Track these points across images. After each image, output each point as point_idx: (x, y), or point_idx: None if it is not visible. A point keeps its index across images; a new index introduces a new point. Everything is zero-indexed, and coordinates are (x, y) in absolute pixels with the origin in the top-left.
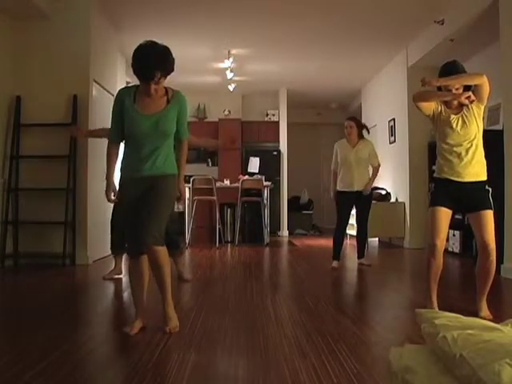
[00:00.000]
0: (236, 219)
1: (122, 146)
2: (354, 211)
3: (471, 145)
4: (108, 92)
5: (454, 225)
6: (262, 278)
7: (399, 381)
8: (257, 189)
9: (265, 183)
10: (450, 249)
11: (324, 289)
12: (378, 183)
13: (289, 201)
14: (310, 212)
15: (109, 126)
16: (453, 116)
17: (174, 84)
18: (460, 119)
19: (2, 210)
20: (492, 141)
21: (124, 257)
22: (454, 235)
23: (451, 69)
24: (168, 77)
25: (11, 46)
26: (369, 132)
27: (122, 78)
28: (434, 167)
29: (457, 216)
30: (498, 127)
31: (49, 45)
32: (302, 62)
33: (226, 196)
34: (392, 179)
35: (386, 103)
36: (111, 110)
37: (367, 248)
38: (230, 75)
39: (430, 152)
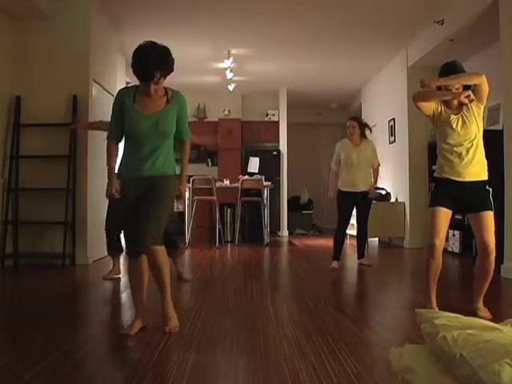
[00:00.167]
0: (236, 219)
1: (120, 144)
2: (353, 211)
3: (472, 144)
4: (108, 92)
5: (453, 225)
6: (261, 278)
7: (399, 381)
8: (257, 189)
9: (265, 183)
10: (449, 249)
11: (324, 289)
12: (377, 183)
13: (289, 201)
14: (310, 212)
15: (109, 120)
16: (453, 116)
17: (174, 84)
18: (460, 119)
19: (2, 210)
20: (492, 141)
21: (123, 256)
22: (453, 235)
23: (451, 69)
24: (168, 77)
25: (11, 46)
26: (371, 131)
27: (122, 77)
28: (434, 167)
29: (457, 216)
30: (498, 127)
31: (49, 45)
32: (301, 61)
33: (225, 196)
34: (392, 179)
35: (385, 103)
36: (111, 108)
37: (367, 248)
38: (229, 75)
39: (430, 152)
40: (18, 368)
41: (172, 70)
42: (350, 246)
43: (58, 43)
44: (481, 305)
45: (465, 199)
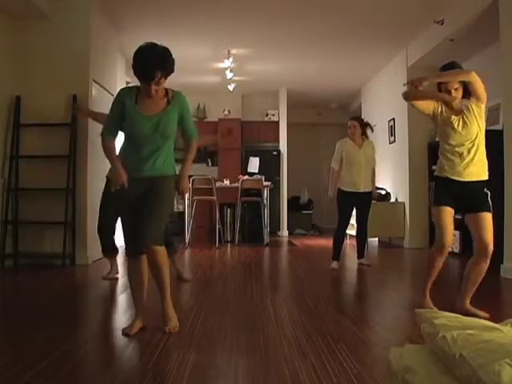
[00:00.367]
0: (236, 219)
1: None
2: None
3: (473, 144)
4: (108, 92)
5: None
6: (261, 278)
7: (399, 381)
8: (257, 189)
9: (265, 183)
10: (449, 249)
11: (324, 289)
12: (377, 183)
13: (289, 201)
14: (310, 212)
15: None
16: (453, 117)
17: (174, 84)
18: (461, 120)
19: (2, 210)
20: (492, 141)
21: (121, 256)
22: (453, 235)
23: (449, 70)
24: (168, 77)
25: (11, 46)
26: (373, 130)
27: (122, 78)
28: (434, 167)
29: (457, 216)
30: (498, 127)
31: (49, 45)
32: (301, 61)
33: (225, 196)
34: (392, 179)
35: (385, 103)
36: (109, 111)
37: (367, 248)
38: (229, 75)
39: (430, 152)
40: (18, 368)
41: (172, 71)
42: (349, 245)
43: (57, 43)
44: (470, 305)
45: (466, 199)
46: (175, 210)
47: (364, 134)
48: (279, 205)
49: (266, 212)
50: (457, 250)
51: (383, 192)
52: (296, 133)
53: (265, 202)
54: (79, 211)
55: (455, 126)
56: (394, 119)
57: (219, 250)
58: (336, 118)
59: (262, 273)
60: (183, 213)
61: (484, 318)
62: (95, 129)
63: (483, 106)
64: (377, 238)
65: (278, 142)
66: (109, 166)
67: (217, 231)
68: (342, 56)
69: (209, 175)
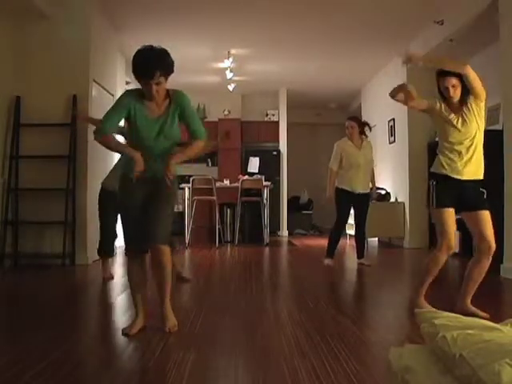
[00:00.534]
0: (236, 219)
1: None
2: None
3: (472, 143)
4: (108, 92)
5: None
6: (261, 278)
7: (399, 381)
8: (256, 189)
9: (264, 183)
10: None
11: (324, 289)
12: (377, 183)
13: (289, 201)
14: (310, 212)
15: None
16: (453, 115)
17: (173, 84)
18: (460, 118)
19: (1, 210)
20: (492, 141)
21: (122, 257)
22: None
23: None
24: (168, 78)
25: (11, 45)
26: (371, 129)
27: (122, 78)
28: None
29: (457, 216)
30: (498, 127)
31: (49, 45)
32: (302, 61)
33: (225, 196)
34: (392, 179)
35: (385, 103)
36: (112, 105)
37: (367, 248)
38: (229, 75)
39: (430, 152)
40: (18, 368)
41: (172, 71)
42: (349, 246)
43: (57, 43)
44: (470, 305)
45: (463, 198)
46: (175, 210)
47: (362, 133)
48: (279, 205)
49: (266, 212)
50: (457, 250)
51: (383, 192)
52: (296, 133)
53: (265, 201)
54: (79, 211)
55: (455, 123)
56: (393, 119)
57: (219, 250)
58: (336, 118)
59: (261, 273)
60: (183, 213)
61: (484, 318)
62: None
63: (482, 105)
64: (377, 238)
65: (278, 142)
66: (109, 167)
67: (217, 231)
68: (342, 56)
69: (209, 175)
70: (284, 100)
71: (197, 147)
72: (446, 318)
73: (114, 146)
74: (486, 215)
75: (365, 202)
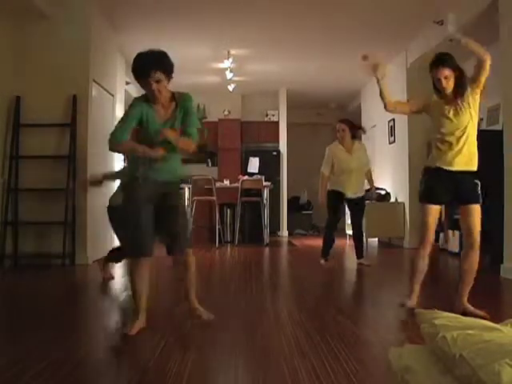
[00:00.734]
0: (236, 219)
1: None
2: (348, 212)
3: (463, 133)
4: (108, 92)
5: (453, 225)
6: (261, 278)
7: (399, 381)
8: (256, 189)
9: (264, 183)
10: (449, 249)
11: (324, 289)
12: (377, 183)
13: (288, 201)
14: (310, 212)
15: (108, 127)
16: (446, 106)
17: (173, 84)
18: (453, 109)
19: (1, 210)
20: (492, 141)
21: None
22: (453, 235)
23: (444, 58)
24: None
25: (11, 45)
26: (365, 132)
27: (122, 78)
28: None
29: (457, 216)
30: (498, 127)
31: (49, 45)
32: (301, 61)
33: (225, 196)
34: (391, 179)
35: None
36: (124, 112)
37: (366, 248)
38: (229, 75)
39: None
40: (18, 368)
41: (172, 71)
42: (349, 246)
43: (57, 43)
44: (468, 304)
45: (455, 190)
46: None
47: (354, 137)
48: (279, 205)
49: (266, 212)
50: (457, 250)
51: (383, 192)
52: (296, 133)
53: (265, 202)
54: (79, 211)
55: (446, 113)
56: (393, 120)
57: (219, 250)
58: (336, 119)
59: (261, 273)
60: None
61: (484, 318)
62: (95, 129)
63: (478, 97)
64: (377, 238)
65: (278, 142)
66: (109, 167)
67: (217, 231)
68: (342, 56)
69: (209, 175)
70: (284, 100)
71: (188, 141)
72: (446, 318)
73: (129, 148)
74: (475, 209)
75: (359, 206)
